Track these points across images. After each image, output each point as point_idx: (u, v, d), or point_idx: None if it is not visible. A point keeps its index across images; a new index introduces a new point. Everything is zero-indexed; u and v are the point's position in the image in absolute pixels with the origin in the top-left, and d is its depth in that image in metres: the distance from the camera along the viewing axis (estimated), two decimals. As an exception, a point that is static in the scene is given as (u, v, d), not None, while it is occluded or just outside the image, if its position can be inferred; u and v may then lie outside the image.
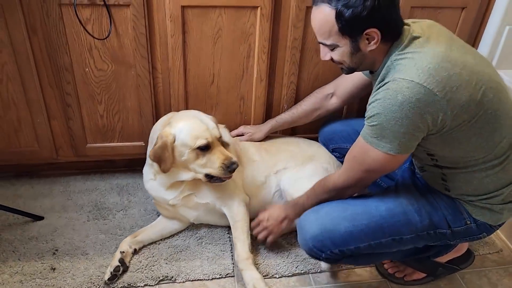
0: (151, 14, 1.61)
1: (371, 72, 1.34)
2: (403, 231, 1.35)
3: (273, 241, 1.63)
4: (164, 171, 1.54)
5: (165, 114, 1.82)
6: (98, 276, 1.56)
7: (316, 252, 1.38)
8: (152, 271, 1.59)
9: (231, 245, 1.73)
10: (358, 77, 1.60)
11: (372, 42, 1.20)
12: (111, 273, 1.53)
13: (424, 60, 1.15)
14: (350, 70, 1.34)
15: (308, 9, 1.67)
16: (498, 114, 1.20)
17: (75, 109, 1.76)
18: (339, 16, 1.16)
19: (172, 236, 1.75)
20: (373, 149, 1.22)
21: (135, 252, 1.65)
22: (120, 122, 1.83)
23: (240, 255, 1.59)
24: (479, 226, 1.36)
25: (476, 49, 1.92)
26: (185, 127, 1.52)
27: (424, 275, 1.62)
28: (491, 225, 1.36)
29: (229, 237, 1.75)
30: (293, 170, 1.78)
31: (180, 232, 1.77)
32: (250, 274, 1.55)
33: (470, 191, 1.32)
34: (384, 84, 1.19)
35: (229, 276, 1.61)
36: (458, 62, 1.16)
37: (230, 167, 1.52)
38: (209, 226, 1.79)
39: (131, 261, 1.62)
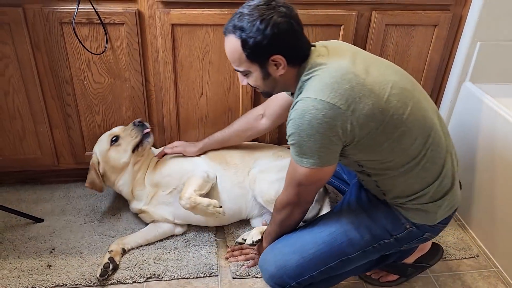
0: (144, 31, 1.76)
1: (292, 94, 1.42)
2: (347, 251, 1.43)
3: (253, 265, 1.73)
4: (101, 189, 1.84)
5: (158, 124, 1.98)
6: (90, 273, 1.66)
7: None
8: (141, 269, 1.69)
9: (216, 247, 1.82)
10: (284, 99, 1.68)
11: (280, 68, 1.28)
12: (101, 269, 1.63)
13: (327, 75, 1.23)
14: (267, 94, 1.43)
15: (289, 27, 1.80)
16: (404, 117, 1.25)
17: (75, 119, 1.91)
18: (243, 45, 1.24)
19: (161, 239, 1.85)
20: (299, 166, 1.30)
21: (124, 252, 1.75)
22: (116, 131, 1.97)
23: (182, 196, 1.68)
24: (420, 228, 1.41)
25: (451, 64, 2.03)
26: (97, 146, 1.85)
27: (397, 276, 1.70)
28: (431, 225, 1.41)
29: (215, 240, 1.85)
30: (270, 158, 1.90)
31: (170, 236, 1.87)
32: (201, 204, 1.67)
33: (399, 194, 1.37)
34: (295, 103, 1.27)
35: (213, 276, 1.70)
36: (360, 73, 1.24)
37: (136, 123, 1.80)
38: (196, 230, 1.89)
39: (122, 260, 1.73)
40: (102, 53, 1.75)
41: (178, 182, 1.79)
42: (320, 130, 1.21)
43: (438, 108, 2.15)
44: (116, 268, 1.68)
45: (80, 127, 1.93)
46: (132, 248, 1.78)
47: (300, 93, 1.28)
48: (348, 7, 1.82)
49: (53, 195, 2.07)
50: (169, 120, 1.96)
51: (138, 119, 1.81)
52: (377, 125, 1.24)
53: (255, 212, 1.89)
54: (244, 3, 1.27)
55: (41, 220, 1.90)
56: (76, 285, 1.62)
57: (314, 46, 1.34)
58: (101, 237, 1.84)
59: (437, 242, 1.77)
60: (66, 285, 1.62)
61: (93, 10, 1.66)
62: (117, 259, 1.70)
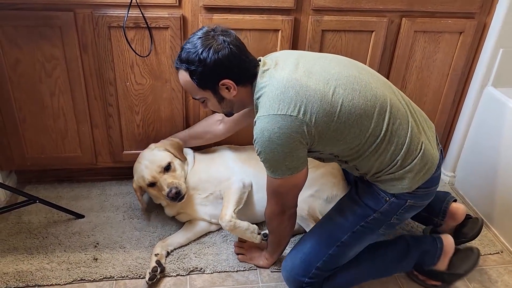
0: (186, 35, 1.84)
1: None
2: (338, 236, 1.55)
3: (242, 261, 1.80)
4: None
5: (194, 124, 2.05)
6: (135, 266, 1.73)
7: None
8: (183, 263, 1.77)
9: (253, 242, 1.90)
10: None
11: (231, 90, 1.39)
12: (150, 273, 1.66)
13: (272, 90, 1.33)
14: (229, 114, 1.56)
15: (324, 32, 1.89)
16: (354, 102, 1.34)
17: (116, 119, 1.98)
18: (191, 75, 1.37)
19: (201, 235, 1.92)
20: (272, 178, 1.42)
21: (168, 254, 1.80)
22: (154, 131, 2.04)
23: (222, 217, 1.74)
24: (399, 197, 1.49)
25: (474, 69, 2.12)
26: (135, 174, 1.89)
27: (439, 283, 1.73)
28: (410, 192, 1.48)
29: (251, 235, 1.93)
30: None
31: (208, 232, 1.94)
32: (240, 228, 1.74)
33: (375, 170, 1.47)
34: (254, 124, 1.37)
35: (253, 269, 1.77)
36: (302, 76, 1.34)
37: (172, 197, 1.77)
38: (232, 226, 1.97)
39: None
40: (148, 55, 1.83)
41: (215, 188, 1.88)
42: (280, 143, 1.31)
43: (459, 112, 2.25)
44: (163, 270, 1.71)
45: (120, 127, 2.01)
46: (175, 249, 1.83)
47: (257, 112, 1.39)
48: (379, 14, 1.91)
49: (91, 192, 2.14)
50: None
51: (173, 193, 1.76)
52: (331, 118, 1.33)
53: None
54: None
55: (82, 216, 1.97)
56: (123, 277, 1.69)
57: (260, 60, 1.44)
58: (141, 232, 1.91)
59: (470, 245, 1.80)
60: (113, 277, 1.68)
61: (141, 15, 1.74)
62: (162, 261, 1.74)
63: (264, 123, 1.32)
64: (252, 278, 1.74)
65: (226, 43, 1.34)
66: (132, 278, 1.69)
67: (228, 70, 1.36)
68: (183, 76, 1.41)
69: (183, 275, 1.73)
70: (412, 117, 1.46)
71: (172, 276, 1.72)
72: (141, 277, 1.70)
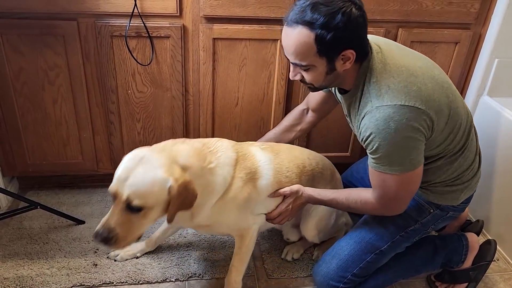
0: (187, 45, 1.88)
1: (342, 92, 1.44)
2: (378, 244, 1.57)
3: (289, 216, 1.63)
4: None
5: (193, 131, 2.07)
6: (135, 271, 1.75)
7: None
8: (182, 269, 1.78)
9: (251, 249, 1.92)
10: (322, 93, 1.69)
11: (348, 62, 1.26)
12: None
13: (394, 81, 1.26)
14: (316, 89, 1.41)
15: (321, 42, 1.93)
16: (459, 111, 1.36)
17: (117, 126, 2.01)
18: (319, 39, 1.18)
19: (200, 240, 1.94)
20: (389, 175, 1.31)
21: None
22: (154, 138, 2.07)
23: (230, 283, 1.63)
24: (443, 209, 1.54)
25: (470, 79, 2.16)
26: None
27: (465, 284, 1.74)
28: (454, 205, 1.54)
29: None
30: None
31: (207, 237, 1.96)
32: None
33: (434, 180, 1.48)
34: (368, 113, 1.28)
35: (250, 275, 1.79)
36: (417, 72, 1.29)
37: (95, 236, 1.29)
38: (231, 232, 1.99)
39: (165, 258, 1.82)
40: (149, 64, 1.86)
41: (229, 230, 1.64)
42: (407, 135, 1.25)
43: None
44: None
45: (121, 134, 2.03)
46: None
47: (367, 100, 1.29)
48: (376, 24, 1.95)
49: (91, 199, 2.16)
50: (205, 129, 2.07)
51: (96, 238, 1.30)
52: (446, 119, 1.33)
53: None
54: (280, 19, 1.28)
55: (83, 222, 1.99)
56: (122, 283, 1.70)
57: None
58: (141, 239, 1.92)
59: (486, 239, 1.81)
60: (113, 282, 1.70)
61: (143, 25, 1.77)
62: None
63: (389, 113, 1.23)
64: (251, 284, 1.75)
65: (362, 10, 1.20)
66: (131, 284, 1.71)
67: (357, 41, 1.23)
68: (302, 37, 1.19)
69: (182, 281, 1.74)
70: (475, 131, 1.50)
71: (171, 281, 1.73)
72: (140, 282, 1.72)
